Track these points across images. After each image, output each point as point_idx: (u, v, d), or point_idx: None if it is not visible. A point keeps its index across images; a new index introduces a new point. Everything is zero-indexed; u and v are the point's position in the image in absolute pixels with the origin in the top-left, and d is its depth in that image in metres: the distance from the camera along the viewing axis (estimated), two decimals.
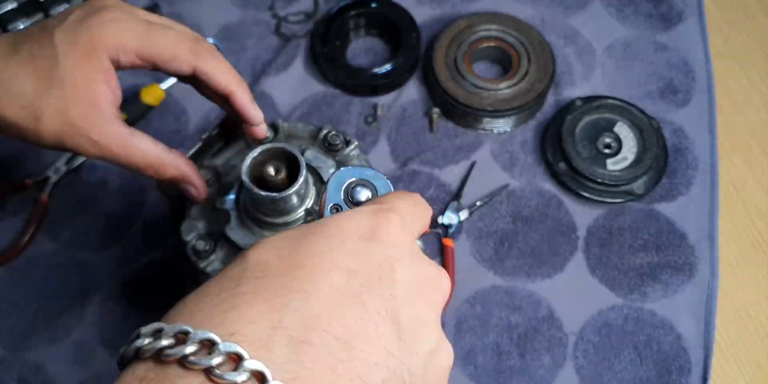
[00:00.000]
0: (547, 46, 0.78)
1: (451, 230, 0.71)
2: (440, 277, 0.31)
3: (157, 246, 0.70)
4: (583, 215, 0.73)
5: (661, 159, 0.74)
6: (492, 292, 0.70)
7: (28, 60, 0.43)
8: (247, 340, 0.24)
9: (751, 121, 0.80)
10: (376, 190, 0.36)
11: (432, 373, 0.29)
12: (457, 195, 0.73)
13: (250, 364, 0.23)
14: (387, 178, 0.36)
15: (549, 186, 0.74)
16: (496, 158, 0.76)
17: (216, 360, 0.23)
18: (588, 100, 0.75)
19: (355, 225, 0.30)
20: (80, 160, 0.74)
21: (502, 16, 0.80)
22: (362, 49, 0.83)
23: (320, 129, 0.51)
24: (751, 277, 0.72)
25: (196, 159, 0.62)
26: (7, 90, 0.43)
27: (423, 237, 0.71)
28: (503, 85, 0.75)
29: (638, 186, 0.72)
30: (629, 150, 0.73)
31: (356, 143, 0.51)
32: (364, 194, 0.35)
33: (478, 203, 0.73)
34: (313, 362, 0.24)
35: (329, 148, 0.50)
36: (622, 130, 0.74)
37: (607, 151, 0.74)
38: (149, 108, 0.76)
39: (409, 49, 0.78)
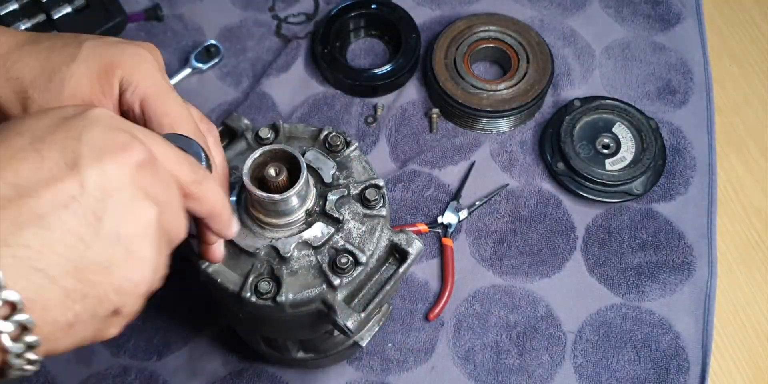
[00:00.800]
0: (545, 47, 0.78)
1: (450, 230, 0.72)
2: (129, 143, 0.32)
3: None
4: (581, 215, 0.73)
5: (660, 159, 0.74)
6: (491, 292, 0.70)
7: (43, 52, 0.42)
8: None
9: (748, 121, 0.80)
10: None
11: (114, 217, 0.30)
12: (456, 195, 0.74)
13: None
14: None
15: (548, 186, 0.75)
16: (495, 158, 0.76)
17: None
18: (586, 100, 0.76)
19: (53, 113, 0.33)
20: None
21: (501, 17, 0.80)
22: (362, 50, 0.83)
23: (321, 130, 0.52)
24: (748, 276, 0.73)
25: None
26: (7, 70, 0.42)
27: (423, 237, 0.72)
28: (502, 85, 0.76)
29: (636, 186, 0.73)
30: (627, 150, 0.74)
31: (356, 144, 0.52)
32: None
33: (477, 203, 0.73)
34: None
35: (330, 149, 0.51)
36: (621, 130, 0.75)
37: (605, 151, 0.74)
38: None
39: (409, 50, 0.79)
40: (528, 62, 0.77)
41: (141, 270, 0.32)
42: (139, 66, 0.42)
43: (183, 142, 0.39)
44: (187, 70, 0.79)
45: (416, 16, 0.81)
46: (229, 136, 0.53)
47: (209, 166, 0.40)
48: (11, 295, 0.26)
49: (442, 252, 0.71)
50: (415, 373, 0.67)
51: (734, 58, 0.84)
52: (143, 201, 0.32)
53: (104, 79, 0.41)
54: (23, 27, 0.77)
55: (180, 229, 0.36)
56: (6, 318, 0.26)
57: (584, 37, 0.82)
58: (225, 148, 0.54)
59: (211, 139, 0.44)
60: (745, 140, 0.79)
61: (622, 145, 0.74)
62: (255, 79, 0.80)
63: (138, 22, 0.82)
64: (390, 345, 0.68)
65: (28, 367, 0.28)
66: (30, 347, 0.27)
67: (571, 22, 0.83)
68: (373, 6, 0.81)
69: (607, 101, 0.76)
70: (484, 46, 0.79)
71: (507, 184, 0.75)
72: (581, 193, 0.73)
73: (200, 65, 0.79)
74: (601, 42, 0.82)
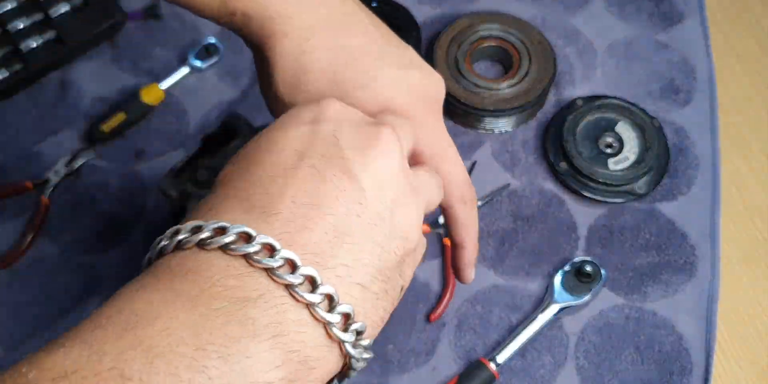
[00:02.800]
0: (548, 45, 0.78)
1: None
2: (379, 132, 0.33)
3: None
4: (584, 215, 0.73)
5: (663, 159, 0.74)
6: (493, 292, 0.70)
7: (343, 56, 0.40)
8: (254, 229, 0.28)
9: (752, 120, 0.80)
10: None
11: (400, 220, 0.32)
12: None
13: (284, 253, 0.27)
14: None
15: (550, 186, 0.74)
16: (497, 158, 0.76)
17: (254, 248, 0.27)
18: (589, 99, 0.75)
19: (295, 115, 0.33)
20: (81, 161, 0.74)
21: (502, 15, 0.80)
22: None
23: None
24: (752, 277, 0.72)
25: (196, 159, 0.62)
26: (300, 52, 0.41)
27: (424, 237, 0.71)
28: (504, 84, 0.75)
29: (639, 186, 0.72)
30: (630, 150, 0.73)
31: None
32: None
33: (479, 203, 0.73)
34: (308, 229, 0.29)
35: None
36: (624, 129, 0.74)
37: (608, 150, 0.74)
38: (149, 108, 0.76)
39: None
40: (530, 61, 0.77)
41: (417, 256, 0.35)
42: (429, 122, 0.41)
43: None
44: (186, 69, 0.79)
45: (417, 15, 0.81)
46: (228, 135, 0.53)
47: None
48: (345, 308, 0.28)
49: (443, 252, 0.71)
50: (416, 374, 0.66)
51: (738, 56, 0.84)
52: (411, 191, 0.33)
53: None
54: (21, 26, 0.77)
55: (435, 199, 0.38)
56: (345, 330, 0.29)
57: (586, 36, 0.82)
58: (225, 148, 0.54)
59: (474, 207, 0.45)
60: (749, 139, 0.79)
61: (625, 145, 0.73)
62: (254, 78, 0.80)
63: (136, 21, 0.81)
64: (391, 346, 0.67)
65: (363, 364, 0.31)
66: (364, 348, 0.30)
67: (574, 21, 0.83)
68: (374, 4, 0.80)
69: (610, 100, 0.75)
70: (486, 44, 0.78)
71: (509, 184, 0.74)
72: (584, 192, 0.72)
73: (199, 64, 0.79)
74: (604, 40, 0.82)
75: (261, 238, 0.27)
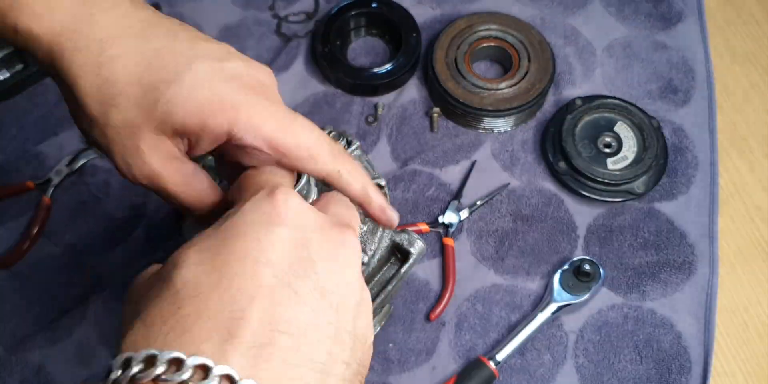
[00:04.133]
0: (547, 45, 0.78)
1: (451, 229, 0.72)
2: (345, 236, 0.33)
3: (159, 247, 0.71)
4: (583, 214, 0.73)
5: (661, 158, 0.74)
6: (492, 291, 0.70)
7: (148, 54, 0.37)
8: (206, 355, 0.27)
9: (751, 120, 0.80)
10: None
11: (361, 324, 0.31)
12: (457, 194, 0.74)
13: (219, 370, 0.26)
14: None
15: (549, 185, 0.75)
16: (497, 158, 0.76)
17: (186, 374, 0.26)
18: (588, 99, 0.76)
19: (258, 215, 0.31)
20: (82, 161, 0.74)
21: (502, 15, 0.80)
22: (363, 49, 0.83)
23: (322, 130, 0.52)
24: (750, 276, 0.72)
25: (196, 159, 0.62)
26: (100, 64, 0.36)
27: (424, 236, 0.72)
28: (503, 84, 0.76)
29: (638, 185, 0.72)
30: (629, 149, 0.74)
31: (358, 143, 0.51)
32: None
33: (478, 202, 0.73)
34: (267, 360, 0.27)
35: None
36: (622, 129, 0.74)
37: (607, 150, 0.74)
38: None
39: (410, 49, 0.79)
40: (529, 61, 0.77)
41: (369, 348, 0.33)
42: (259, 105, 0.37)
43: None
44: None
45: (417, 15, 0.81)
46: None
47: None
48: None
49: (443, 251, 0.71)
50: (416, 373, 0.67)
51: (736, 56, 0.84)
52: (363, 287, 0.33)
53: (209, 117, 0.37)
54: None
55: (355, 221, 0.38)
56: None
57: (585, 36, 0.82)
58: None
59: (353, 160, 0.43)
60: (747, 139, 0.79)
61: (624, 144, 0.74)
62: None
63: None
64: (391, 345, 0.68)
65: None
66: None
67: (573, 21, 0.83)
68: (374, 5, 0.80)
69: (609, 100, 0.75)
70: (485, 44, 0.79)
71: (508, 184, 0.74)
72: (583, 192, 0.73)
73: None
74: (603, 41, 0.82)
75: (220, 370, 0.26)
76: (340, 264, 0.31)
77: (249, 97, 0.37)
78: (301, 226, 0.32)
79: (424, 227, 0.72)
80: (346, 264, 0.32)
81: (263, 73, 0.39)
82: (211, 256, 0.30)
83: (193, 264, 0.30)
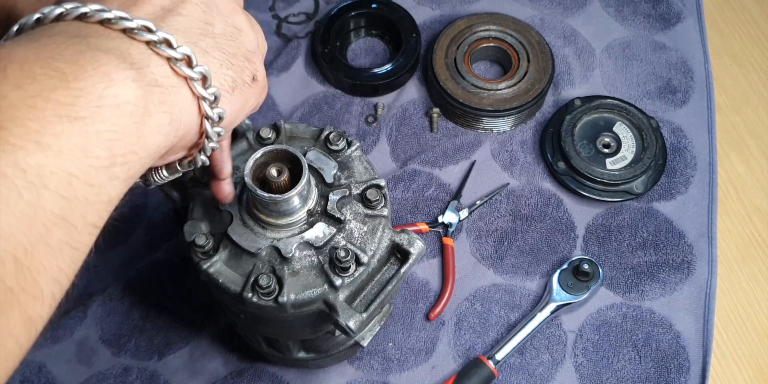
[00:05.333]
0: (546, 46, 0.78)
1: (451, 229, 0.72)
2: None
3: (159, 247, 0.71)
4: (582, 214, 0.73)
5: (660, 158, 0.74)
6: (492, 290, 0.70)
7: None
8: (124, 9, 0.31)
9: (749, 120, 0.80)
10: None
11: (236, 45, 0.36)
12: (457, 194, 0.74)
13: (137, 22, 0.31)
14: None
15: (548, 185, 0.75)
16: (496, 158, 0.76)
17: (134, 23, 0.30)
18: (587, 99, 0.76)
19: None
20: None
21: (501, 16, 0.80)
22: (362, 50, 0.83)
23: (322, 130, 0.52)
24: (749, 276, 0.73)
25: None
26: None
27: (423, 236, 0.72)
28: (503, 85, 0.76)
29: (637, 185, 0.73)
30: (628, 149, 0.74)
31: (358, 144, 0.52)
32: None
33: (477, 202, 0.73)
34: (171, 19, 0.33)
35: (331, 149, 0.51)
36: (621, 129, 0.75)
37: (606, 150, 0.74)
38: None
39: (409, 49, 0.79)
40: (528, 61, 0.77)
41: (251, 39, 0.37)
42: None
43: None
44: None
45: (416, 16, 0.81)
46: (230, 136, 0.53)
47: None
48: (202, 69, 0.32)
49: (442, 251, 0.71)
50: (415, 372, 0.67)
51: (734, 57, 0.84)
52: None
53: None
54: (14, 28, 0.77)
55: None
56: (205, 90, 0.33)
57: (584, 37, 0.82)
58: None
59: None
60: (746, 139, 0.79)
61: (623, 145, 0.74)
62: None
63: None
64: (391, 344, 0.68)
65: (219, 129, 0.35)
66: (220, 118, 0.34)
67: (572, 22, 0.83)
68: (374, 5, 0.81)
69: (608, 100, 0.76)
70: (485, 45, 0.79)
71: (507, 184, 0.75)
72: (582, 192, 0.73)
73: None
74: (602, 41, 0.82)
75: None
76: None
77: None
78: None
79: (423, 227, 0.72)
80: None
81: None
82: None
83: None
